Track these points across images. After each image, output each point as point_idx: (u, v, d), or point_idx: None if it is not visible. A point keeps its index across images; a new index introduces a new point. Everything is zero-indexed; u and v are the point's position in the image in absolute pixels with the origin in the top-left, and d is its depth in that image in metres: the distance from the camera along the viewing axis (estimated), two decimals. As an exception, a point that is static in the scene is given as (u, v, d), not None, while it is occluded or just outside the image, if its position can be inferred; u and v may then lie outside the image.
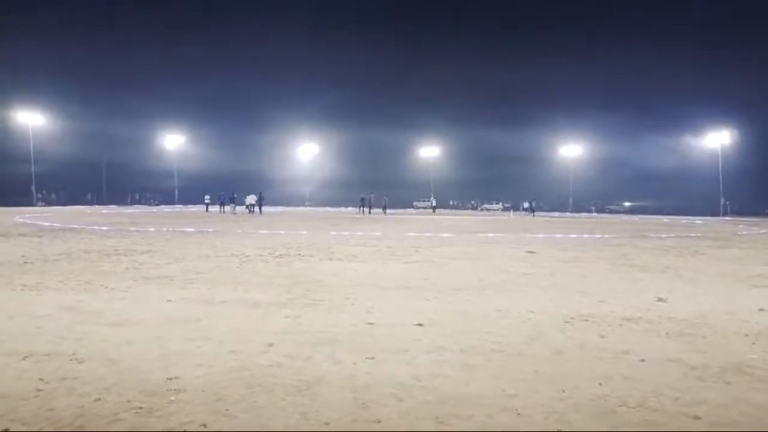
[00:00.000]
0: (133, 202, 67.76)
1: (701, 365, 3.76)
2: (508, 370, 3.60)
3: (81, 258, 9.51)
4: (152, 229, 18.03)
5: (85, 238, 13.82)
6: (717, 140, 57.50)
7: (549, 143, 69.16)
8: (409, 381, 3.36)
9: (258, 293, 6.33)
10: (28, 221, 22.90)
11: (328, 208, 59.43)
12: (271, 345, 4.12)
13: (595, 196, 67.04)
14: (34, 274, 7.61)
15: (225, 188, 44.32)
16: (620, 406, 3.00)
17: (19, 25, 60.08)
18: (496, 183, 71.63)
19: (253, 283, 7.02)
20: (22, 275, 7.47)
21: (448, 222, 29.18)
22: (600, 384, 3.34)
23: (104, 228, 18.48)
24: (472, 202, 73.80)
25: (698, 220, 37.39)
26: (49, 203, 56.45)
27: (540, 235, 18.09)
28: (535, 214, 47.29)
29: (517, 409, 2.94)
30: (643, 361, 3.85)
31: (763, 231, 23.65)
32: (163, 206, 59.88)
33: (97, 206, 55.83)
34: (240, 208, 40.75)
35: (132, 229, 18.26)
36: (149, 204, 65.80)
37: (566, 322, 5.05)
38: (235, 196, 41.33)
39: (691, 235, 19.97)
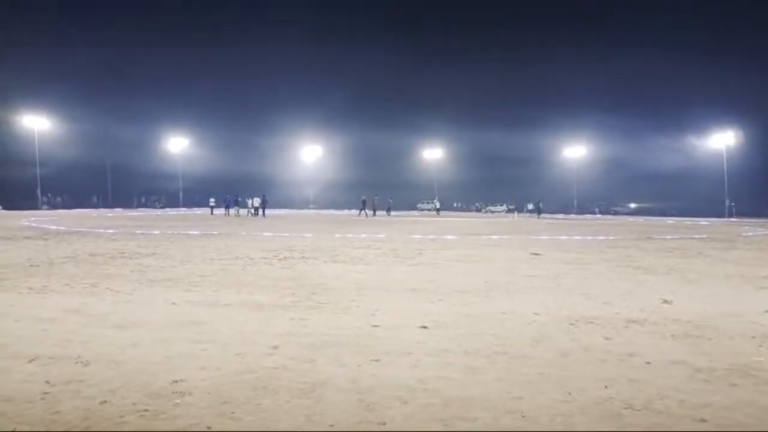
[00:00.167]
0: (139, 206, 68.02)
1: (707, 367, 3.74)
2: (512, 373, 3.59)
3: (86, 261, 9.55)
4: (157, 232, 18.08)
5: (91, 241, 13.88)
6: (722, 141, 57.26)
7: (553, 145, 69.06)
8: (414, 383, 3.36)
9: (262, 296, 6.34)
10: (34, 224, 23.02)
11: (332, 211, 59.46)
12: (275, 347, 4.13)
13: (599, 198, 66.80)
14: (40, 277, 7.65)
15: (230, 191, 44.48)
16: (625, 408, 2.99)
17: (25, 30, 60.52)
18: (499, 185, 71.55)
19: (257, 286, 7.03)
20: (28, 278, 7.50)
21: (452, 224, 29.15)
22: (605, 386, 3.33)
23: (109, 231, 18.55)
24: (476, 204, 73.66)
25: (703, 221, 37.23)
26: (54, 206, 56.67)
27: (544, 237, 18.05)
28: (541, 215, 46.99)
29: (522, 412, 2.94)
30: (648, 363, 3.83)
31: (768, 232, 23.54)
32: (167, 209, 60.06)
33: (102, 209, 56.05)
34: (244, 211, 40.86)
35: (137, 232, 18.32)
36: (154, 207, 65.98)
37: (571, 324, 5.03)
38: (239, 199, 41.44)
39: (696, 236, 19.88)
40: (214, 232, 18.37)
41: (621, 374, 3.57)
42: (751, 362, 3.89)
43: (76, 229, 19.35)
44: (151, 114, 68.84)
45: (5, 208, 49.11)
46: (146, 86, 70.74)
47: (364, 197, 43.76)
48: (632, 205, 66.43)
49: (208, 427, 2.72)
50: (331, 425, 2.76)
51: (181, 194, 71.91)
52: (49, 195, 60.19)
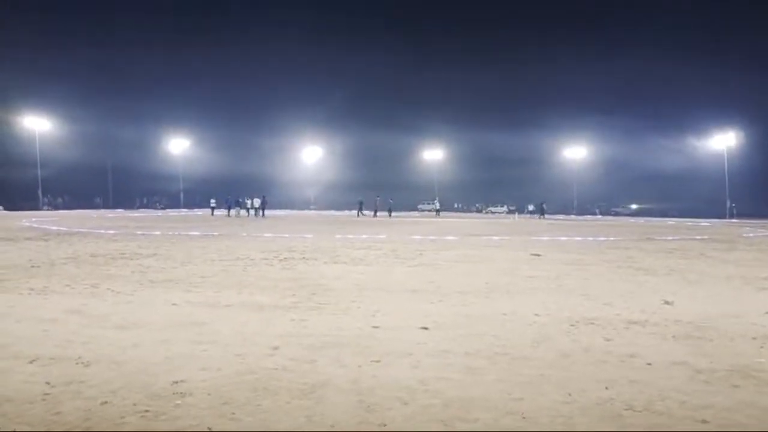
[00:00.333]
0: (141, 206, 68.08)
1: (708, 369, 3.74)
2: (513, 374, 3.59)
3: (87, 262, 9.56)
4: (158, 233, 18.09)
5: (92, 242, 13.89)
6: (723, 142, 57.21)
7: (553, 145, 69.05)
8: (414, 384, 3.36)
9: (263, 297, 6.34)
10: (35, 225, 23.04)
11: (332, 211, 59.49)
12: (276, 348, 4.13)
13: (600, 199, 66.79)
14: (41, 278, 7.66)
15: (231, 192, 44.54)
16: (626, 409, 2.99)
17: (26, 31, 60.59)
18: (500, 185, 71.55)
19: (258, 287, 7.03)
20: (29, 279, 7.51)
21: (453, 225, 29.15)
22: (606, 387, 3.32)
23: (110, 232, 18.56)
24: (477, 205, 73.71)
25: (704, 222, 37.21)
26: (55, 207, 56.74)
27: (545, 238, 18.05)
28: (544, 216, 46.82)
29: (522, 413, 2.93)
30: (649, 364, 3.83)
31: (769, 233, 23.51)
32: (168, 210, 60.12)
33: (103, 210, 56.10)
34: (244, 212, 40.90)
35: (138, 232, 18.33)
36: (155, 208, 66.04)
37: (572, 325, 5.03)
38: (240, 200, 41.49)
39: (697, 237, 19.87)
40: (215, 233, 18.38)
41: (622, 375, 3.57)
42: (752, 363, 3.89)
43: (77, 230, 19.37)
44: (151, 115, 69.04)
45: (6, 208, 49.24)
46: (147, 87, 70.94)
47: (361, 198, 43.85)
48: (633, 206, 66.42)
49: (209, 428, 2.72)
50: (332, 426, 2.76)
51: (181, 195, 71.97)
52: (50, 196, 60.24)
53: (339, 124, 72.23)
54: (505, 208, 67.47)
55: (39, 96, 57.18)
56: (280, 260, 10.10)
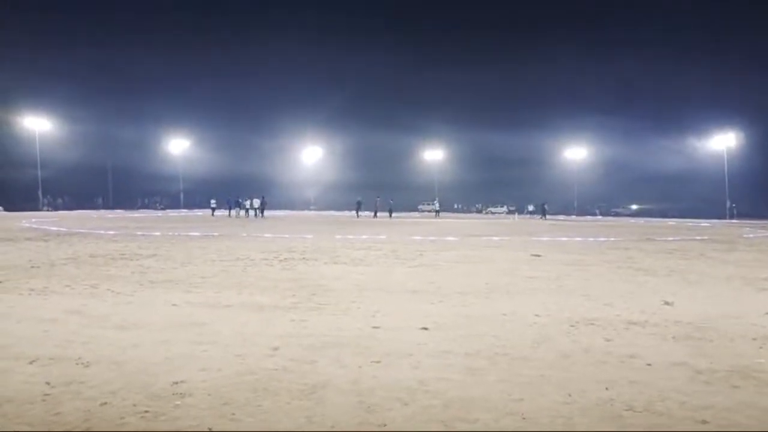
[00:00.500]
0: (142, 207, 68.11)
1: (708, 369, 3.74)
2: (513, 374, 3.59)
3: (87, 262, 9.56)
4: (158, 234, 18.09)
5: (92, 243, 13.89)
6: (723, 142, 57.19)
7: (554, 146, 69.05)
8: (415, 385, 3.36)
9: (263, 297, 6.34)
10: (35, 226, 23.04)
11: (332, 212, 59.48)
12: (276, 349, 4.13)
13: (600, 199, 66.79)
14: (41, 278, 7.66)
15: (231, 192, 44.56)
16: (626, 410, 2.99)
17: (26, 31, 60.64)
18: (500, 186, 71.58)
19: (258, 287, 7.03)
20: (29, 279, 7.51)
21: (453, 225, 29.14)
22: (606, 388, 3.32)
23: (110, 232, 18.56)
24: (477, 206, 73.72)
25: (704, 223, 37.21)
26: (55, 208, 56.73)
27: (545, 239, 18.05)
28: (546, 217, 46.74)
29: (522, 413, 2.93)
30: (649, 365, 3.83)
31: (769, 233, 23.50)
32: (168, 210, 60.12)
33: (102, 211, 56.10)
34: (243, 212, 40.93)
35: (138, 233, 18.33)
36: (155, 208, 66.05)
37: (572, 325, 5.03)
38: (240, 200, 41.52)
39: (697, 237, 19.87)
40: (215, 234, 18.38)
41: (622, 376, 3.57)
42: (752, 364, 3.89)
43: (77, 231, 19.37)
44: (151, 115, 69.10)
45: (6, 209, 49.24)
46: (147, 87, 71.03)
47: (359, 198, 43.82)
48: (633, 207, 66.42)
49: (209, 428, 2.72)
50: (332, 426, 2.76)
51: (182, 195, 71.99)
52: (50, 196, 60.24)
53: (339, 124, 72.33)
54: (505, 209, 67.45)
55: (39, 96, 57.32)
56: (280, 261, 10.10)
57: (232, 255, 11.03)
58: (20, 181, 56.25)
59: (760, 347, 4.37)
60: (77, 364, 3.72)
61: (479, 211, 70.31)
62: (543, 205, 48.57)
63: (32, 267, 8.86)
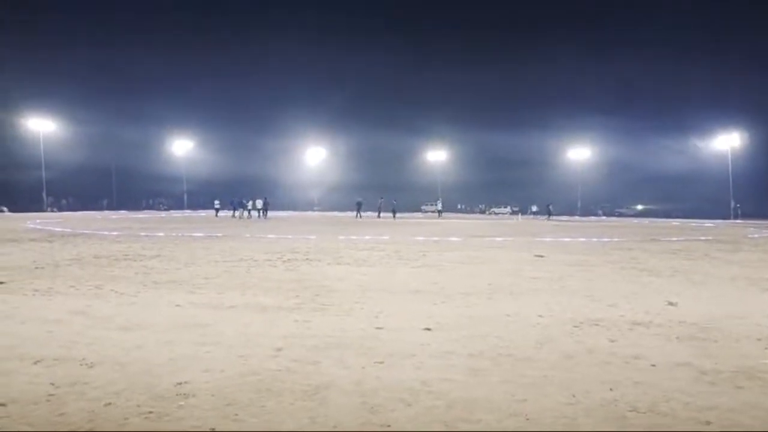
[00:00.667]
0: (146, 208, 68.30)
1: (712, 370, 3.73)
2: (516, 375, 3.58)
3: (91, 263, 9.59)
4: (161, 234, 18.13)
5: (96, 244, 13.93)
6: (727, 142, 57.01)
7: (557, 146, 68.91)
8: (418, 385, 3.36)
9: (266, 298, 6.35)
10: (39, 227, 23.13)
11: (336, 213, 59.51)
12: (279, 350, 4.13)
13: (604, 200, 66.66)
14: (45, 279, 7.68)
15: (235, 193, 44.62)
16: (630, 411, 2.98)
17: (29, 32, 60.88)
18: (503, 186, 71.42)
19: (261, 288, 7.04)
20: (33, 280, 7.54)
21: (456, 226, 29.12)
22: (610, 389, 3.31)
23: (114, 233, 18.62)
24: (480, 206, 73.61)
25: (708, 223, 37.08)
26: (59, 209, 56.94)
27: (548, 239, 18.02)
28: (551, 218, 46.62)
29: (526, 414, 2.93)
30: (653, 365, 3.82)
31: (774, 234, 23.40)
32: (172, 211, 60.26)
33: (106, 212, 56.27)
34: (245, 213, 41.01)
35: (142, 234, 18.38)
36: (158, 209, 66.22)
37: (575, 326, 5.02)
38: (243, 201, 41.61)
39: (701, 238, 19.80)
40: (219, 234, 18.41)
41: (626, 376, 3.56)
42: (757, 364, 3.87)
43: (81, 232, 19.43)
44: (155, 116, 69.13)
45: (11, 210, 49.46)
46: (150, 88, 71.06)
47: (360, 199, 43.79)
48: (637, 207, 66.25)
49: (213, 429, 2.72)
50: (335, 427, 2.76)
51: (185, 196, 72.13)
52: (54, 198, 60.45)
53: (341, 125, 72.37)
54: (508, 209, 67.37)
55: (43, 98, 57.49)
56: (284, 261, 10.11)
57: (235, 256, 11.04)
58: (24, 183, 56.51)
59: (765, 348, 4.35)
60: (81, 364, 3.74)
61: (482, 212, 70.21)
62: (548, 205, 48.50)
63: (36, 268, 8.89)
